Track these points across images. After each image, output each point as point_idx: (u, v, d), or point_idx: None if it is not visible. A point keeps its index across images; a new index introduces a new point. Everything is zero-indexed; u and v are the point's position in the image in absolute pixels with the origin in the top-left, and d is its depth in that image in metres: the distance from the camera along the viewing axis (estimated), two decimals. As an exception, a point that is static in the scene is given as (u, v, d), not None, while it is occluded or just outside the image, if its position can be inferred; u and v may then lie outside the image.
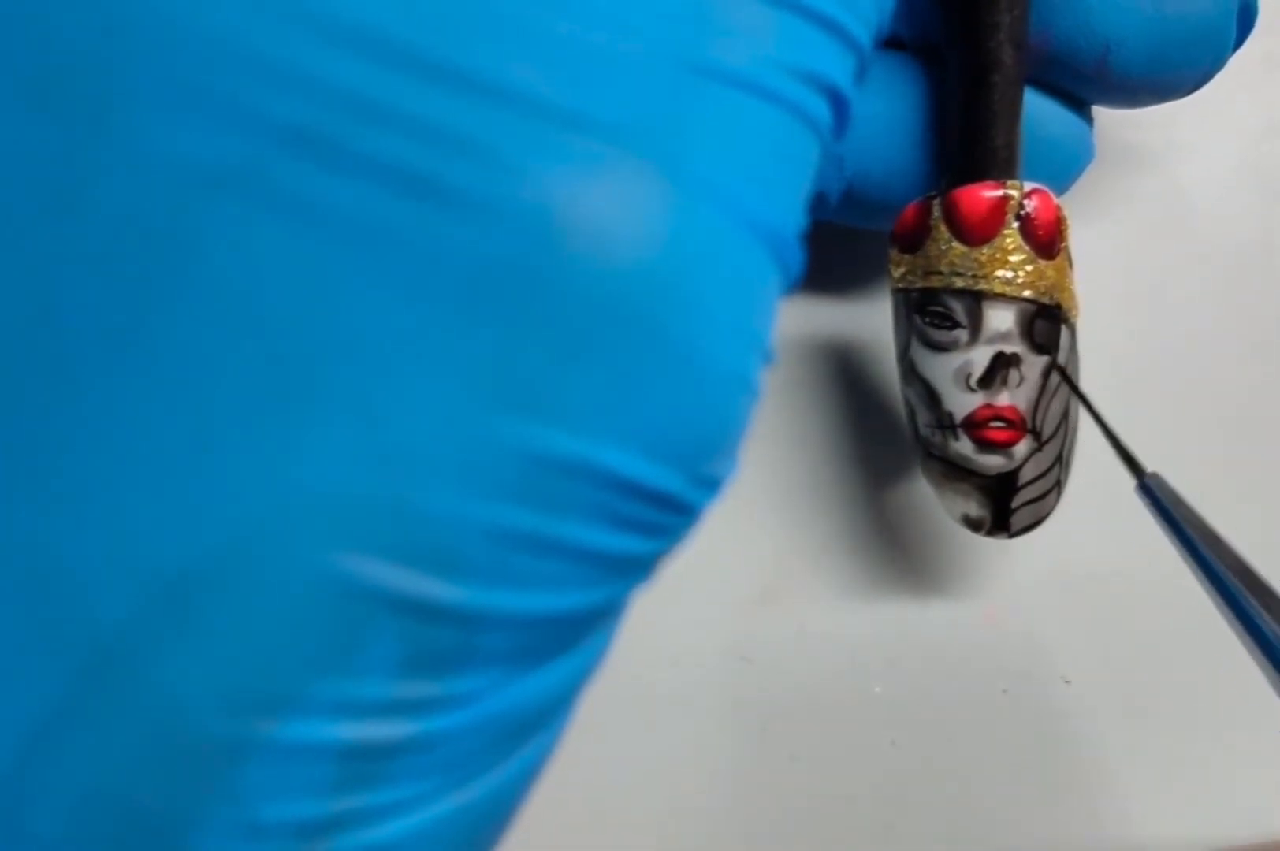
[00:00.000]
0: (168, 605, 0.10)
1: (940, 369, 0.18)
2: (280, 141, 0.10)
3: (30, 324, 0.10)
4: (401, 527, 0.10)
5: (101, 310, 0.10)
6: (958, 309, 0.17)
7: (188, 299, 0.10)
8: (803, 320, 0.22)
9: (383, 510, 0.10)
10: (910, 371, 0.18)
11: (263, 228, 0.10)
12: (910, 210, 0.18)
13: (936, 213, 0.17)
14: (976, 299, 0.17)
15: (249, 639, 0.10)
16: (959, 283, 0.17)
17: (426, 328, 0.10)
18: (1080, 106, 0.19)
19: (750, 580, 0.22)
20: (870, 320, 0.23)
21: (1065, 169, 0.19)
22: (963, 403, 0.17)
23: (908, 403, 0.19)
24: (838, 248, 0.22)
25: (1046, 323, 0.17)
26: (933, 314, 0.17)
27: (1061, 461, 0.18)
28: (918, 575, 0.22)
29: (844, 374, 0.23)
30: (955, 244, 0.17)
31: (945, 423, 0.18)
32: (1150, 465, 0.22)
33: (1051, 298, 0.17)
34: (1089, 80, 0.18)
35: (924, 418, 0.18)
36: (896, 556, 0.22)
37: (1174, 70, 0.18)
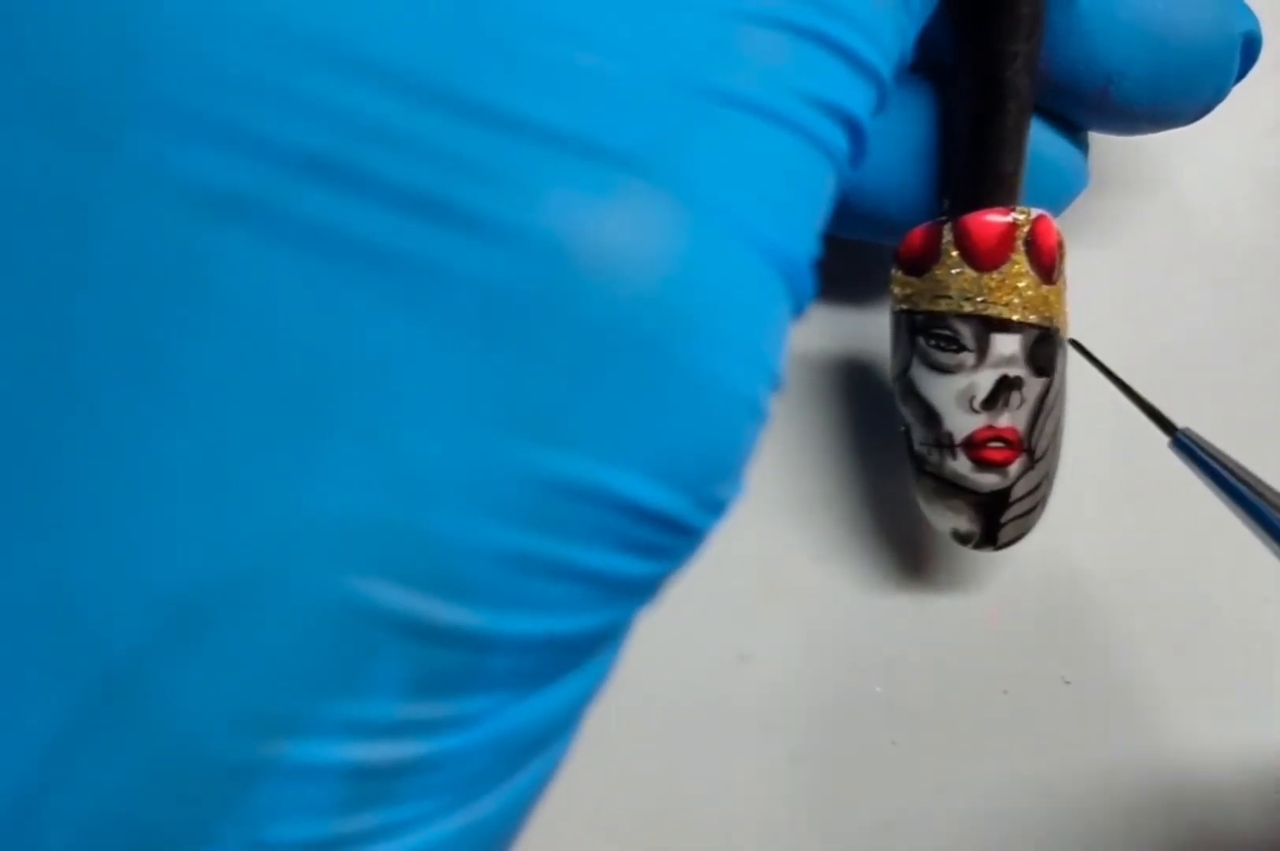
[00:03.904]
0: (178, 628, 0.10)
1: (943, 390, 0.18)
2: (292, 167, 0.10)
3: (40, 348, 0.10)
4: (411, 551, 0.10)
5: (112, 334, 0.10)
6: (965, 333, 0.17)
7: (199, 323, 0.10)
8: (808, 326, 0.22)
9: (393, 533, 0.10)
10: (909, 391, 0.18)
11: (274, 252, 0.10)
12: (918, 234, 0.18)
13: (948, 237, 0.17)
14: (985, 324, 0.17)
15: (259, 661, 0.10)
16: (967, 307, 0.17)
17: (438, 352, 0.10)
18: (1076, 132, 0.19)
19: (751, 580, 0.22)
20: (873, 328, 0.22)
21: (1059, 195, 0.19)
22: (964, 423, 0.18)
23: (903, 420, 0.19)
24: (839, 257, 0.22)
25: (1047, 346, 0.18)
26: (938, 337, 0.18)
27: (1048, 478, 0.19)
28: (918, 575, 0.22)
29: (846, 378, 0.23)
30: (966, 269, 0.17)
31: (944, 442, 0.18)
32: (1151, 466, 0.22)
33: (1052, 322, 0.18)
34: (1089, 107, 0.18)
35: (920, 436, 0.18)
36: (897, 556, 0.22)
37: (1175, 100, 0.18)
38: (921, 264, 0.18)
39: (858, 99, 0.12)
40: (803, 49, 0.11)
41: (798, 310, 0.12)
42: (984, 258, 0.17)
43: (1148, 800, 0.21)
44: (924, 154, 0.18)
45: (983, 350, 0.17)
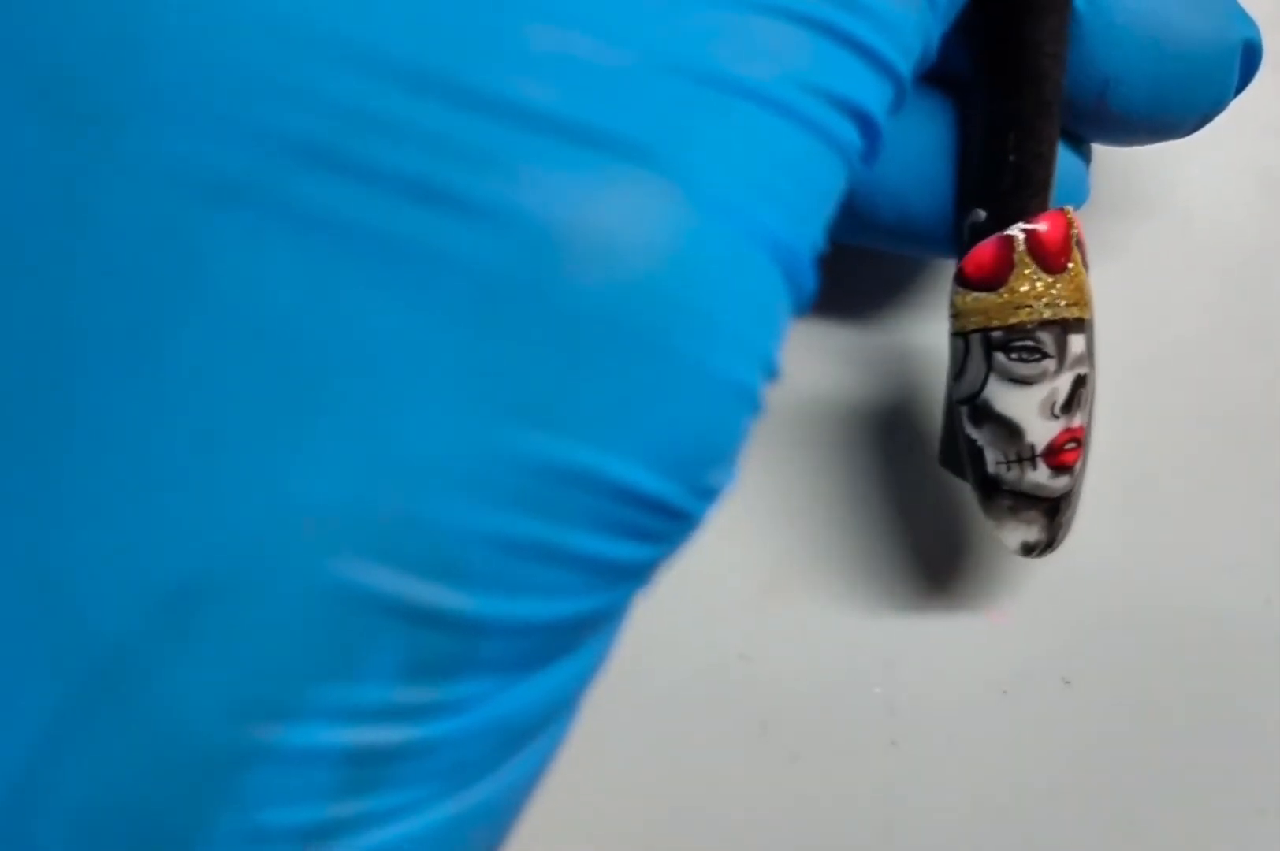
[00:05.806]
0: (170, 615, 0.10)
1: (1026, 402, 0.18)
2: (287, 154, 0.10)
3: (35, 334, 0.10)
4: (404, 536, 0.10)
5: (107, 321, 0.10)
6: (1047, 340, 0.17)
7: (194, 310, 0.10)
8: (810, 327, 0.22)
9: (386, 519, 0.10)
10: (984, 413, 0.18)
11: (270, 238, 0.10)
12: (987, 250, 0.17)
13: (1021, 247, 0.17)
14: (1062, 327, 0.17)
15: (251, 647, 0.10)
16: (1048, 314, 0.17)
17: (433, 338, 0.10)
18: (1078, 144, 0.19)
19: (751, 579, 0.22)
20: (874, 335, 0.23)
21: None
22: (1046, 431, 0.18)
23: (973, 446, 0.18)
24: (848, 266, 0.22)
25: (1094, 337, 0.18)
26: (1021, 349, 0.17)
27: (1086, 469, 0.19)
28: (918, 575, 0.22)
29: (845, 377, 0.23)
30: (1043, 275, 0.17)
31: (1025, 455, 0.18)
32: (1152, 466, 0.23)
33: (1092, 313, 0.18)
34: (1087, 116, 0.18)
35: (995, 456, 0.18)
36: (897, 556, 0.22)
37: (1174, 109, 0.18)
38: (996, 279, 0.17)
39: (873, 95, 0.12)
40: (816, 42, 0.11)
41: (799, 303, 0.12)
42: (1054, 261, 0.17)
43: (1147, 800, 0.21)
44: (918, 157, 0.18)
45: (1062, 354, 0.17)
